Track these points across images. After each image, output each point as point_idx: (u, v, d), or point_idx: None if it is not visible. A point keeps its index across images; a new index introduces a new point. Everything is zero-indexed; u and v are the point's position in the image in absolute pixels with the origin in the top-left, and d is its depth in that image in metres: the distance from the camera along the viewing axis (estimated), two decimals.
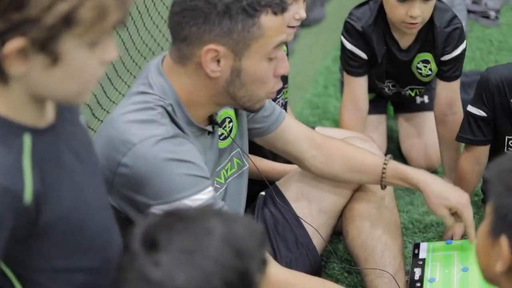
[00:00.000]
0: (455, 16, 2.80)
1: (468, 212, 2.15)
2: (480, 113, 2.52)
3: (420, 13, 2.65)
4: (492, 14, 4.55)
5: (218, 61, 1.78)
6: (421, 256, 2.13)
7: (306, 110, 3.80)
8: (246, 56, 1.78)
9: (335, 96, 3.90)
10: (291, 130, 2.20)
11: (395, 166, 2.24)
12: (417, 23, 2.69)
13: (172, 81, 1.84)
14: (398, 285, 2.27)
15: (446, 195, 2.18)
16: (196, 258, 1.25)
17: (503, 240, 1.23)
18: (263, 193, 2.41)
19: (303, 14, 2.43)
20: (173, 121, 1.83)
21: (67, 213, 1.35)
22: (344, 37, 2.88)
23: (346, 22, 2.87)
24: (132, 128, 1.78)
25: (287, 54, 2.57)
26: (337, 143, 2.28)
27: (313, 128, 2.88)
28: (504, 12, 4.65)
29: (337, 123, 3.60)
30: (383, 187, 2.27)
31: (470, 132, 2.57)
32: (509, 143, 2.52)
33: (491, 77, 2.48)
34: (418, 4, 2.64)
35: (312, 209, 2.33)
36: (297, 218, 2.32)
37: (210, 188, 1.83)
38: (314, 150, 2.23)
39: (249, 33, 1.76)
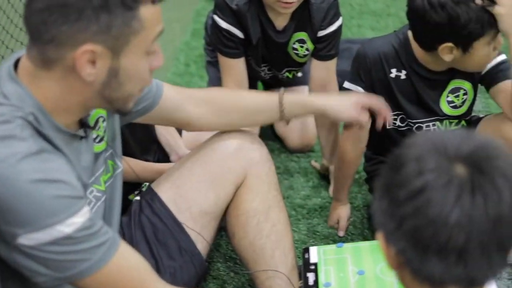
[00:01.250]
0: None
1: (380, 103, 2.29)
2: (358, 89, 2.41)
3: None
4: None
5: (93, 62, 1.55)
6: (312, 260, 2.00)
7: None
8: (124, 54, 1.56)
9: (198, 74, 3.72)
10: (172, 97, 2.08)
11: (291, 97, 2.23)
12: (292, 2, 2.53)
13: (32, 88, 1.60)
14: (292, 284, 2.13)
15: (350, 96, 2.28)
16: None
17: (379, 235, 1.19)
18: (137, 197, 2.20)
19: None
20: (38, 131, 1.59)
21: None
22: (218, 16, 2.66)
23: None
24: None
25: None
26: (222, 93, 2.25)
27: None
28: None
29: None
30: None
31: None
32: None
33: (368, 52, 2.37)
34: None
35: (193, 211, 2.13)
36: (177, 223, 2.12)
37: (86, 209, 1.61)
38: (201, 107, 2.13)
39: (129, 28, 1.54)
